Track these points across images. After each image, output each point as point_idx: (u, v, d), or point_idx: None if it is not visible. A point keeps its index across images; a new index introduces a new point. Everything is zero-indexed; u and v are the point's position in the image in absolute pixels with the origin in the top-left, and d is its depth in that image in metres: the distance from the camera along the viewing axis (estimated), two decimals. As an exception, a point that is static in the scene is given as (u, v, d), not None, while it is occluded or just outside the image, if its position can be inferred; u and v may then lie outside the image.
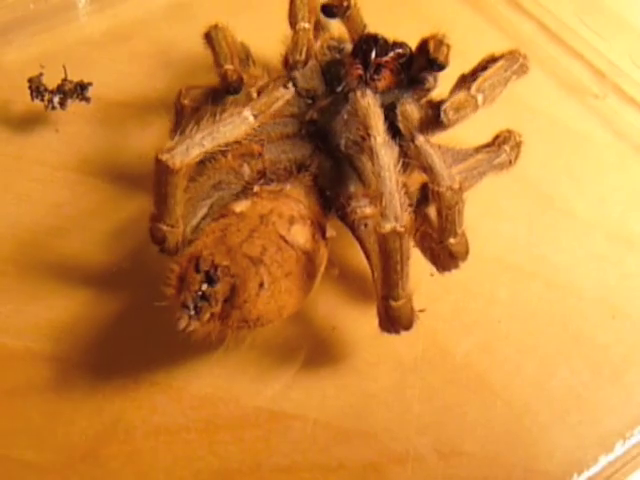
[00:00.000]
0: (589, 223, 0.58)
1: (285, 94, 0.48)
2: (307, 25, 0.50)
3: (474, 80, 0.48)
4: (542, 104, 0.63)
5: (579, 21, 0.66)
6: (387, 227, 0.42)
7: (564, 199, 0.59)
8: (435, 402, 0.49)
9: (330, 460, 0.47)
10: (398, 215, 0.42)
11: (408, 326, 0.46)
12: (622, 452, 0.48)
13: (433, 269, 0.51)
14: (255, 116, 0.45)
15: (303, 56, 0.50)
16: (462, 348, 0.51)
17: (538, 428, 0.49)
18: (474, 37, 0.65)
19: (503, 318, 0.53)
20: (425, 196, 0.47)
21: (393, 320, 0.45)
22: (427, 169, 0.45)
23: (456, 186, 0.44)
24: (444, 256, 0.47)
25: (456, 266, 0.47)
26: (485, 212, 0.56)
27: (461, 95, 0.47)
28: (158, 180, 0.44)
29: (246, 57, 0.53)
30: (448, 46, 0.49)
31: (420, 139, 0.45)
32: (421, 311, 0.51)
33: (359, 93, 0.45)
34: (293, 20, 0.51)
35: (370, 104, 0.45)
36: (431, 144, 0.45)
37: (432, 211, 0.48)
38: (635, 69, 0.64)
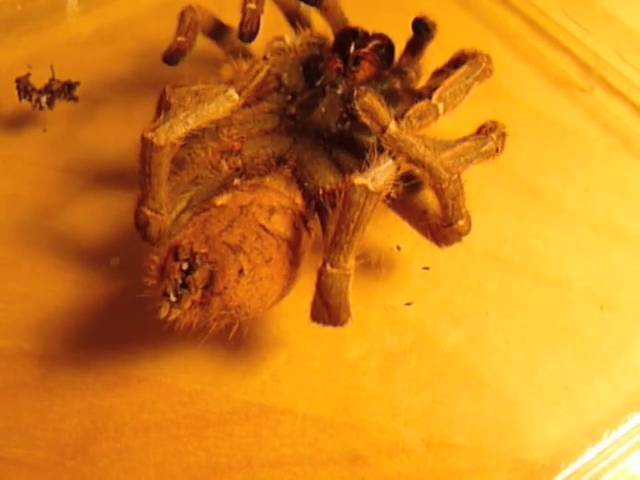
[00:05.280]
0: (576, 215, 0.58)
1: (264, 66, 0.48)
2: (253, 6, 0.52)
3: (435, 88, 0.48)
4: (528, 97, 0.64)
5: (565, 15, 0.66)
6: (360, 180, 0.42)
7: (551, 192, 0.59)
8: (424, 394, 0.50)
9: (319, 454, 0.48)
10: (376, 179, 0.42)
11: (337, 315, 0.44)
12: (609, 442, 0.48)
13: (426, 262, 0.53)
14: (239, 92, 0.46)
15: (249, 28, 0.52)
16: (450, 340, 0.52)
17: (527, 419, 0.49)
18: (459, 31, 0.65)
19: (491, 310, 0.53)
20: (415, 185, 0.47)
21: (323, 291, 0.44)
22: (416, 163, 0.44)
23: (455, 177, 0.44)
24: (451, 235, 0.47)
25: (459, 240, 0.48)
26: (473, 205, 0.55)
27: (423, 104, 0.47)
28: (143, 158, 0.44)
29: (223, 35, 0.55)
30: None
31: (392, 128, 0.44)
32: (408, 304, 0.52)
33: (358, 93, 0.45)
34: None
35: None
36: (408, 130, 0.44)
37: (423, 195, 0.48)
38: (621, 62, 0.64)
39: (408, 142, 0.44)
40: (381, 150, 0.44)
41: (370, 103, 0.44)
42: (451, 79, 0.49)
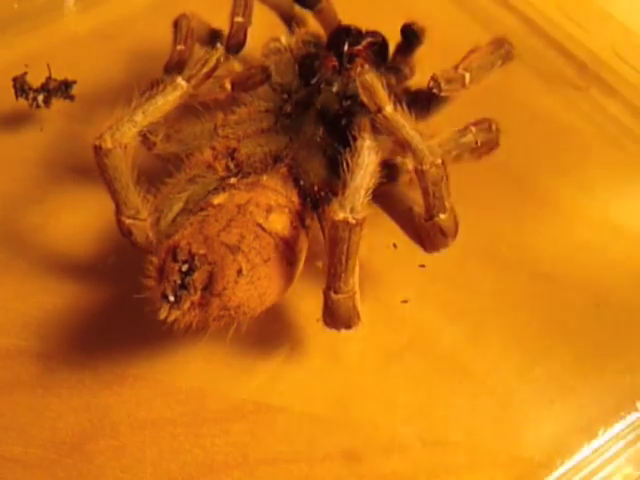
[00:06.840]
0: (572, 213, 0.58)
1: (214, 54, 0.47)
2: (240, 19, 0.51)
3: (461, 62, 0.48)
4: (525, 96, 0.64)
5: (561, 13, 0.66)
6: (340, 215, 0.42)
7: (547, 190, 0.59)
8: (420, 392, 0.50)
9: (316, 451, 0.48)
10: (355, 208, 0.42)
11: (348, 324, 0.45)
12: (605, 439, 0.48)
13: (422, 260, 0.52)
14: (187, 80, 0.46)
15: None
16: (447, 338, 0.52)
17: (522, 416, 0.49)
18: (456, 30, 0.65)
19: (487, 308, 0.53)
20: (392, 174, 0.48)
21: (332, 313, 0.45)
22: (404, 144, 0.44)
23: (439, 161, 0.44)
24: (434, 234, 0.46)
25: (446, 245, 0.47)
26: (469, 204, 0.55)
27: (450, 70, 0.48)
28: (99, 166, 0.44)
29: (216, 41, 0.54)
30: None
31: (388, 109, 0.45)
32: (404, 302, 0.52)
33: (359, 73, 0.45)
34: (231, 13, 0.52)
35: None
36: (402, 114, 0.45)
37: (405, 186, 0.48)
38: (617, 61, 0.64)
39: (400, 123, 0.44)
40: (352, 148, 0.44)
41: (371, 82, 0.45)
42: (477, 54, 0.49)
